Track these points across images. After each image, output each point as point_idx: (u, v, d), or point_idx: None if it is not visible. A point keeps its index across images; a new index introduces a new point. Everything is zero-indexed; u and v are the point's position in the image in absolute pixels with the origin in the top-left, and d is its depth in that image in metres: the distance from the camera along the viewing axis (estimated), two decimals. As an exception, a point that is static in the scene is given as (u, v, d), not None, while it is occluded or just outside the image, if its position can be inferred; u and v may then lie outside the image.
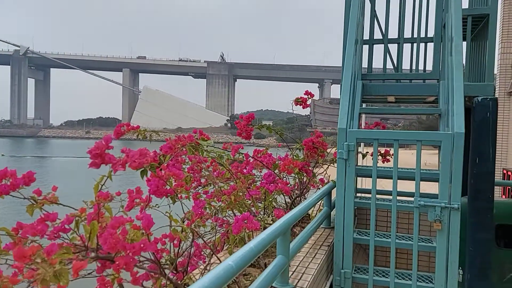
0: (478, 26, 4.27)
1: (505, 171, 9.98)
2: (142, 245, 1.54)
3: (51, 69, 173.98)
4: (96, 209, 1.69)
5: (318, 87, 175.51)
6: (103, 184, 1.78)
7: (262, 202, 3.62)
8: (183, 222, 2.39)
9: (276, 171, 4.39)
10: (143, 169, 2.14)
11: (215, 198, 3.78)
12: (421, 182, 3.15)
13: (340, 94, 3.23)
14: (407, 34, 4.40)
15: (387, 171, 3.41)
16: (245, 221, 2.42)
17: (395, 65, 4.48)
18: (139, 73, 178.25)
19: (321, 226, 3.88)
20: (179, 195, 2.84)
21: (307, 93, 5.46)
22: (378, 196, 3.84)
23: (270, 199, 3.55)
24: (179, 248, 2.22)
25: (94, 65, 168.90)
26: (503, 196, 9.01)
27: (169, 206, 2.59)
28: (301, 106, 5.32)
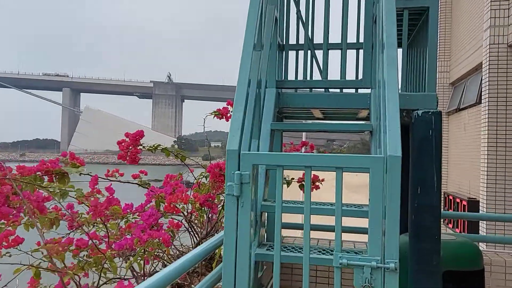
0: (416, 26, 3.55)
1: (446, 195, 9.55)
2: None
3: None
4: None
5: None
6: None
7: (133, 256, 2.56)
8: None
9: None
10: None
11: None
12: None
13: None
14: (337, 38, 3.65)
15: (301, 208, 2.50)
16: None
17: (322, 72, 3.67)
18: (81, 93, 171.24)
19: (220, 283, 2.87)
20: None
21: (229, 103, 4.49)
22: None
23: (142, 252, 2.49)
24: None
25: (31, 84, 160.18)
26: (448, 224, 8.50)
27: None
28: (224, 119, 4.34)
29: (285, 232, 5.00)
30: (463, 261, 3.43)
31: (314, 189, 4.54)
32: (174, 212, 2.85)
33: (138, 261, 2.49)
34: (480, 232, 6.73)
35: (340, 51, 3.49)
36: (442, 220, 9.10)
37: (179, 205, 3.00)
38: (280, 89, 3.28)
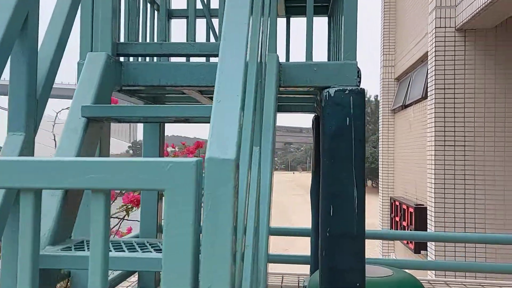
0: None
1: (392, 201, 8.74)
2: None
3: None
4: None
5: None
6: None
7: None
8: None
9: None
10: None
11: None
12: None
13: None
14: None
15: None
16: None
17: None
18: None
19: None
20: None
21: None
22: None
23: None
24: None
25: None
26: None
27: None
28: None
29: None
30: (402, 309, 2.40)
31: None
32: None
33: None
34: (428, 247, 5.87)
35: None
36: (389, 228, 8.16)
37: None
38: (124, 56, 2.12)
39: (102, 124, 1.87)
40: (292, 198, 33.27)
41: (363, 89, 2.01)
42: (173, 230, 0.78)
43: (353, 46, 2.04)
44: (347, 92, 1.95)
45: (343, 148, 1.94)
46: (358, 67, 2.09)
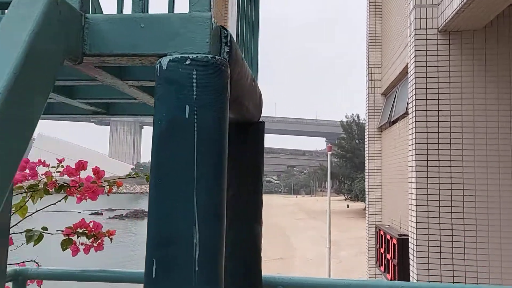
0: None
1: (377, 230, 7.82)
2: None
3: None
4: None
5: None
6: None
7: None
8: None
9: None
10: None
11: None
12: None
13: None
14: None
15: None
16: None
17: None
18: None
19: None
20: None
21: None
22: None
23: None
24: None
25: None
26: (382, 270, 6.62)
27: None
28: None
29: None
30: None
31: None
32: None
33: None
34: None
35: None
36: (375, 260, 7.23)
37: None
38: None
39: None
40: (294, 222, 32.77)
41: (223, 60, 1.20)
42: None
43: (206, -10, 1.25)
44: (188, 62, 1.12)
45: (177, 157, 1.13)
46: (221, 27, 1.29)
